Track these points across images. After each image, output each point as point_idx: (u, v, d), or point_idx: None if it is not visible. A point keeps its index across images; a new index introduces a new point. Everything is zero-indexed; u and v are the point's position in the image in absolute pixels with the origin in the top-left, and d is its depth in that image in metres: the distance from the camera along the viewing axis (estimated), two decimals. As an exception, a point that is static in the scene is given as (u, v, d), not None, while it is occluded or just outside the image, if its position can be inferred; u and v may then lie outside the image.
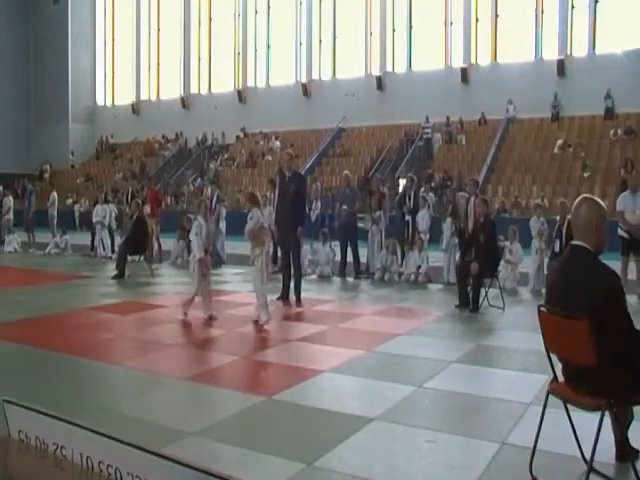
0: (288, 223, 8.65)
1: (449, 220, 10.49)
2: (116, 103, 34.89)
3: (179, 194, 25.89)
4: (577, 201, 3.25)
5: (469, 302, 7.98)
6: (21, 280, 10.98)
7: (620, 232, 9.01)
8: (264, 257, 7.06)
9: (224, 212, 13.31)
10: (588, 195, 3.34)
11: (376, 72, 27.12)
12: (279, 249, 9.70)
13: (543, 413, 3.21)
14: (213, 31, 32.03)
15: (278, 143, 27.53)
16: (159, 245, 14.02)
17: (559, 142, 21.48)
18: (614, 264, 3.59)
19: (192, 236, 7.45)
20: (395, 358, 5.62)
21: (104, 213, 14.58)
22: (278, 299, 8.57)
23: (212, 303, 7.43)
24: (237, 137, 29.85)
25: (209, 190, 14.68)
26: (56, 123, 33.47)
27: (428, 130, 24.34)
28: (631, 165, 17.98)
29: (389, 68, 27.20)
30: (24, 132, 33.58)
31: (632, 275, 9.07)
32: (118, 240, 13.92)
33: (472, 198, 9.50)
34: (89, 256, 14.60)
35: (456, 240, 10.25)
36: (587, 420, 3.14)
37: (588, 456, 2.95)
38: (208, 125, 29.92)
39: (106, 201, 16.06)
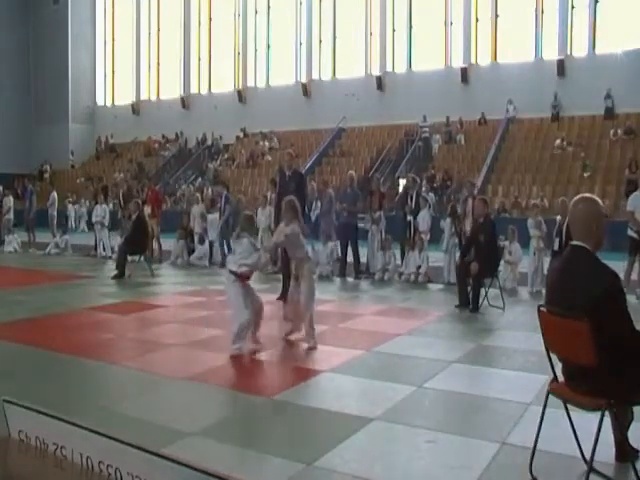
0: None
1: (449, 220, 10.51)
2: (116, 103, 34.87)
3: (179, 196, 25.79)
4: (574, 201, 3.23)
5: (469, 302, 7.98)
6: (21, 280, 10.98)
7: (630, 232, 9.05)
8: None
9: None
10: (586, 194, 3.32)
11: (376, 72, 27.10)
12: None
13: (543, 413, 3.21)
14: (213, 31, 32.01)
15: (267, 143, 27.57)
16: (159, 245, 14.03)
17: (557, 142, 21.49)
18: (616, 264, 3.58)
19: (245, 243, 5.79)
20: (395, 358, 5.62)
21: (103, 213, 14.59)
22: (278, 299, 8.57)
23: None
24: (237, 137, 29.85)
25: (210, 190, 14.69)
26: (56, 123, 33.46)
27: (426, 129, 24.34)
28: (635, 165, 17.98)
29: (389, 68, 27.20)
30: (24, 132, 33.56)
31: (634, 275, 9.09)
32: (118, 240, 13.92)
33: (469, 200, 9.56)
34: (90, 256, 14.61)
35: (456, 240, 10.27)
36: (587, 420, 3.14)
37: (588, 456, 2.95)
38: (208, 125, 29.91)
39: (105, 200, 16.05)
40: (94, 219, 14.74)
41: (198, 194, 16.17)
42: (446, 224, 10.59)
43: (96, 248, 14.73)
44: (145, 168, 29.05)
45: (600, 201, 3.24)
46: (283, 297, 8.65)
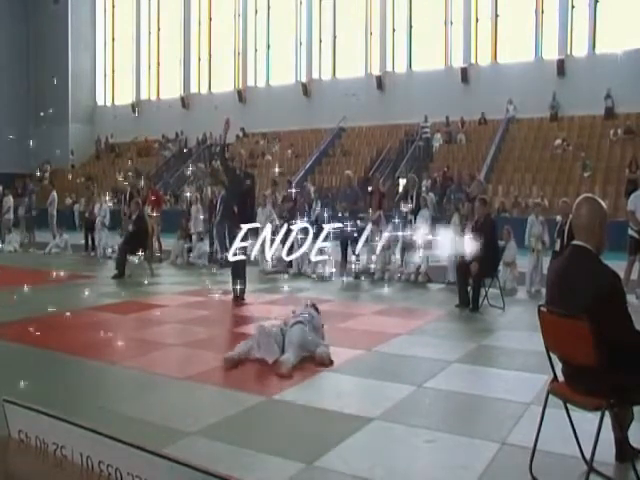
0: (238, 222, 8.44)
1: (455, 216, 10.47)
2: (116, 103, 34.88)
3: (183, 197, 25.70)
4: (578, 201, 3.24)
5: (469, 302, 7.98)
6: (21, 280, 10.96)
7: (630, 232, 9.06)
8: None
9: None
10: (589, 195, 3.33)
11: (376, 72, 27.11)
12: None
13: (543, 413, 3.21)
14: (213, 31, 32.03)
15: (268, 143, 27.62)
16: (160, 245, 14.03)
17: (557, 142, 21.48)
18: (616, 264, 3.58)
19: None
20: (395, 358, 5.62)
21: (104, 213, 14.60)
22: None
23: None
24: (237, 137, 29.84)
25: (209, 190, 14.67)
26: (56, 123, 33.42)
27: (427, 130, 24.35)
28: (635, 165, 17.98)
29: (389, 68, 27.20)
30: (24, 132, 33.54)
31: (634, 275, 9.08)
32: (118, 240, 13.91)
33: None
34: (90, 256, 14.61)
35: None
36: (587, 420, 3.14)
37: (588, 456, 2.95)
38: (208, 125, 29.85)
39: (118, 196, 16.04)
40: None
41: (198, 194, 16.17)
42: (453, 222, 10.54)
43: (87, 248, 14.77)
44: (143, 171, 28.87)
45: (604, 204, 3.24)
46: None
